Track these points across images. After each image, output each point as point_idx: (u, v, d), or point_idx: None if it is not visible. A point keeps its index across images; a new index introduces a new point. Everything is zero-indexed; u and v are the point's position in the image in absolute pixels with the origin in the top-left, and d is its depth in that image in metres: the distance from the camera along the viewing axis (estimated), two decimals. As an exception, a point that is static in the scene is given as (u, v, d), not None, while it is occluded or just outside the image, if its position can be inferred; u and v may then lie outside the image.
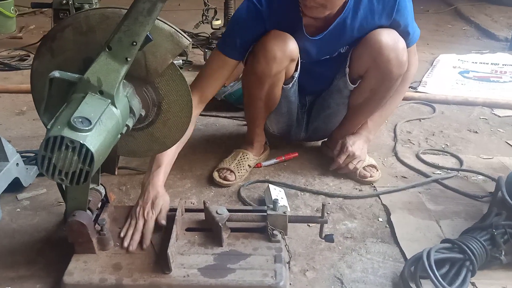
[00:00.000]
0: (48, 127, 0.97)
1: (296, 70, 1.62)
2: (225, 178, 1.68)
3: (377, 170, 1.74)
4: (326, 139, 1.93)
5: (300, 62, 1.63)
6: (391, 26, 1.55)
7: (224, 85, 2.20)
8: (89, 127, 0.96)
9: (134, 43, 1.02)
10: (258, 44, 1.53)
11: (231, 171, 1.70)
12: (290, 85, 1.65)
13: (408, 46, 1.59)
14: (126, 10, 1.03)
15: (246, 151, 1.79)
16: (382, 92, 1.64)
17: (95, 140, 0.97)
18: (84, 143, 0.94)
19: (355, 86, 1.66)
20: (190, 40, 1.16)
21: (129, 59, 1.04)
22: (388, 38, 1.52)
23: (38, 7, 3.77)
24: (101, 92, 1.04)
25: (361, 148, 1.73)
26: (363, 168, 1.72)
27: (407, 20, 1.57)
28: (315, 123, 1.85)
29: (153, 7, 0.99)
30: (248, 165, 1.75)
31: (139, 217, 1.30)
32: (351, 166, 1.71)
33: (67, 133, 0.94)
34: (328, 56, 1.65)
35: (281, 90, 1.64)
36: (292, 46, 1.53)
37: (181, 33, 1.14)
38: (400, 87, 1.69)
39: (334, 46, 1.61)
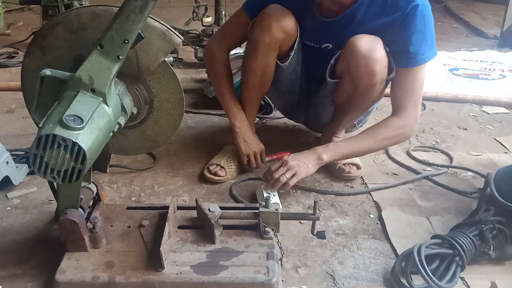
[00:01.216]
0: (40, 125, 0.97)
1: (292, 49, 1.63)
2: (215, 174, 1.69)
3: (358, 169, 1.72)
4: (319, 136, 1.93)
5: (309, 46, 1.67)
6: (392, 36, 1.50)
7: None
8: (81, 125, 0.96)
9: (126, 41, 1.02)
10: (259, 13, 1.59)
11: (222, 167, 1.71)
12: (287, 64, 1.65)
13: (403, 65, 1.52)
14: (118, 8, 1.03)
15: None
16: (355, 98, 1.64)
17: (87, 138, 0.97)
18: (77, 141, 0.94)
19: (332, 81, 1.65)
20: (182, 38, 1.16)
21: (121, 57, 1.04)
22: (365, 44, 1.48)
23: (27, 4, 3.73)
24: (93, 90, 1.04)
25: (301, 162, 1.53)
26: (343, 164, 1.71)
27: (411, 37, 1.47)
28: (311, 109, 1.86)
29: (145, 4, 0.99)
30: (238, 160, 1.76)
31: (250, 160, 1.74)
32: (282, 179, 1.51)
33: (59, 131, 0.94)
34: (330, 45, 1.65)
35: (274, 65, 1.66)
36: (288, 21, 1.57)
37: (173, 31, 1.14)
38: (381, 129, 1.59)
39: (339, 37, 1.58)
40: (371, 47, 1.49)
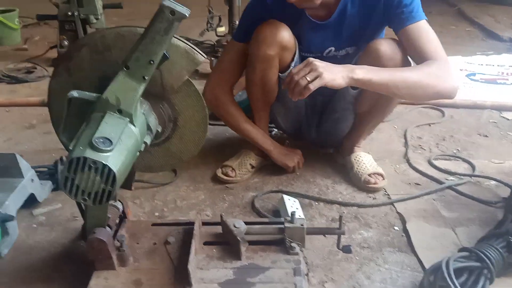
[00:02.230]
0: (70, 147, 0.98)
1: (292, 60, 1.64)
2: (226, 174, 1.77)
3: (384, 179, 1.72)
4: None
5: (307, 56, 1.65)
6: (385, 10, 1.53)
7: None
8: (110, 147, 0.97)
9: (152, 62, 1.03)
10: (255, 29, 1.62)
11: (233, 168, 1.78)
12: (286, 75, 1.65)
13: (405, 23, 1.49)
14: (141, 29, 1.04)
15: (249, 150, 1.84)
16: (381, 102, 1.65)
17: (116, 159, 0.98)
18: (107, 163, 0.95)
19: (355, 91, 1.66)
20: (205, 56, 1.17)
21: (146, 78, 1.05)
22: (387, 47, 1.53)
23: (44, 19, 3.77)
24: (120, 111, 1.05)
25: (329, 66, 1.38)
26: (368, 174, 1.71)
27: (401, 1, 1.49)
28: (325, 125, 1.86)
29: (170, 26, 1.00)
30: (250, 164, 1.80)
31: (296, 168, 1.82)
32: (302, 82, 1.35)
33: (90, 154, 0.95)
34: (333, 48, 1.66)
35: (276, 78, 1.67)
36: (283, 33, 1.59)
37: (195, 50, 1.15)
38: (424, 65, 1.46)
39: (338, 36, 1.62)
40: (393, 49, 1.53)
